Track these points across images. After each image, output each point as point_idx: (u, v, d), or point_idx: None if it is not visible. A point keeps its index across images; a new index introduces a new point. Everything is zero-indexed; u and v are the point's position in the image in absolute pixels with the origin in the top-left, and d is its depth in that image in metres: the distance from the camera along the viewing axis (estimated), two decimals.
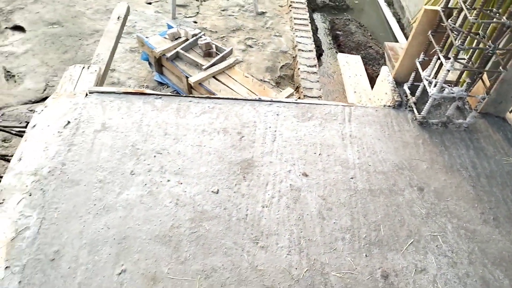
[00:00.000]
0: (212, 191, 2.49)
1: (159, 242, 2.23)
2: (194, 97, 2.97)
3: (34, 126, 2.64)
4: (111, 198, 2.37)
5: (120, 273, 2.10)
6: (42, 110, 2.73)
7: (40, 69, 6.00)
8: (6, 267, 2.08)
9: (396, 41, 6.66)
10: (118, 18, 3.71)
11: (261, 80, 5.68)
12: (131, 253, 2.18)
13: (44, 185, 2.39)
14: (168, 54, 4.71)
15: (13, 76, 5.94)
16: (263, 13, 6.85)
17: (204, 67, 4.61)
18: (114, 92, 2.88)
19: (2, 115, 2.92)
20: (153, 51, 4.72)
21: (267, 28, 6.62)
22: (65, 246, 2.17)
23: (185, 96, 2.97)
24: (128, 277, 2.09)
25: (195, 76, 4.53)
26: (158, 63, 5.05)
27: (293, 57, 6.18)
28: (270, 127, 2.84)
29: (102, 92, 2.88)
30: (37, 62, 6.10)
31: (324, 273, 2.22)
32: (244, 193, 2.51)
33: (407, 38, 6.68)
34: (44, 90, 5.78)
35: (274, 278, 2.18)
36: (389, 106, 3.05)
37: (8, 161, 2.56)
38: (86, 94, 2.84)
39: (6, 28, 6.65)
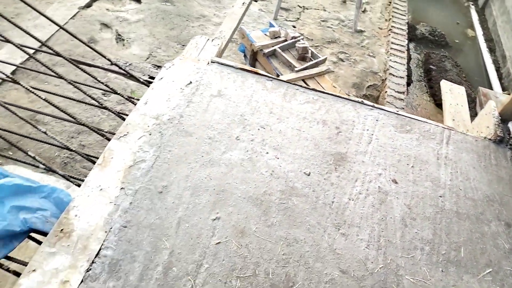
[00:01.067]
0: (304, 172, 2.65)
1: (251, 202, 2.43)
2: (301, 86, 3.17)
3: (161, 78, 2.98)
4: (217, 155, 2.62)
5: (214, 219, 2.32)
6: (170, 67, 3.07)
7: (147, 39, 6.55)
8: (122, 188, 2.38)
9: (491, 88, 6.47)
10: (243, 3, 4.03)
11: (347, 94, 5.79)
12: (226, 205, 2.40)
13: (162, 129, 2.69)
14: (266, 50, 4.97)
15: (123, 39, 6.54)
16: (361, 31, 6.97)
17: (296, 69, 4.82)
18: (232, 66, 3.16)
19: (130, 64, 3.30)
20: (252, 44, 4.99)
21: (362, 46, 6.73)
22: (172, 183, 2.44)
23: (293, 84, 3.18)
24: (220, 224, 2.31)
25: (286, 76, 4.75)
26: (253, 57, 5.30)
27: (383, 79, 6.23)
28: (367, 129, 2.96)
29: (222, 64, 3.17)
30: (146, 32, 6.67)
31: (398, 275, 2.29)
32: (333, 182, 2.64)
33: (503, 88, 6.50)
34: (147, 58, 6.32)
35: (350, 264, 2.29)
36: (489, 139, 3.05)
37: (134, 103, 2.91)
38: (208, 63, 3.14)
39: None
